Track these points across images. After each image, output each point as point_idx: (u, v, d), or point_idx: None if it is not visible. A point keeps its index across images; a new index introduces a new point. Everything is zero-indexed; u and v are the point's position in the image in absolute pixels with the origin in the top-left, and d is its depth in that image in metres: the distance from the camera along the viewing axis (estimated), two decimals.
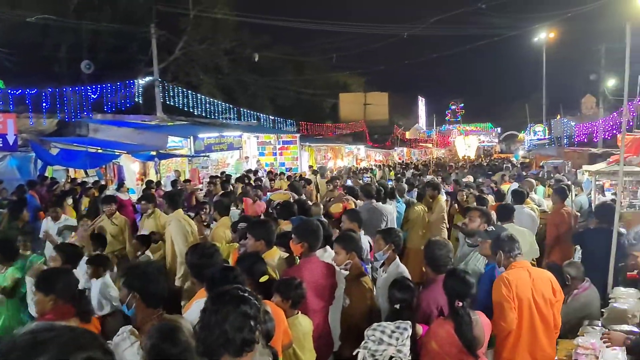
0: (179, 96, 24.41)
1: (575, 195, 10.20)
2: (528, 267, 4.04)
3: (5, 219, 8.62)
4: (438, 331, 3.47)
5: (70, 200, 10.20)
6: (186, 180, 14.63)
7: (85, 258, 5.37)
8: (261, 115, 30.92)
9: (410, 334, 3.34)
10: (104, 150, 14.81)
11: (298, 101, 41.94)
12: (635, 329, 4.00)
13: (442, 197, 8.99)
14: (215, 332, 2.12)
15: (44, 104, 17.63)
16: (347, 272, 4.35)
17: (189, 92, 25.08)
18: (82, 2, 25.66)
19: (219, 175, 15.33)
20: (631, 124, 14.97)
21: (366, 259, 5.46)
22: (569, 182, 10.26)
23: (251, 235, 4.60)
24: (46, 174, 13.62)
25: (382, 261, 4.67)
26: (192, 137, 17.73)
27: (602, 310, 4.66)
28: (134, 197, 12.10)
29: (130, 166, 16.47)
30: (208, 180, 14.60)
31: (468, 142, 55.52)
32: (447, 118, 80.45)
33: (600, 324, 4.37)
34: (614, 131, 22.16)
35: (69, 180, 13.71)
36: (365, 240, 5.78)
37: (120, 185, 12.85)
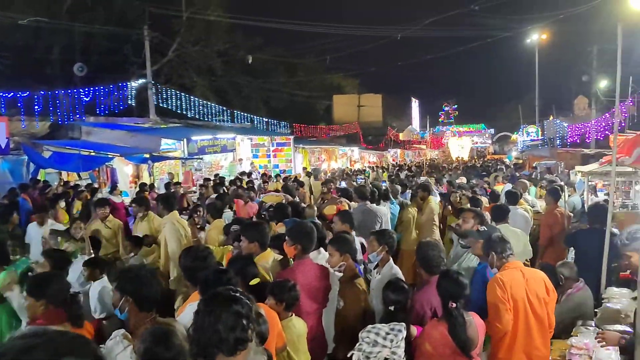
0: (172, 98, 24.37)
1: (569, 195, 10.26)
2: (521, 267, 4.04)
3: None
4: (432, 332, 3.47)
5: (62, 204, 10.17)
6: (177, 183, 14.58)
7: (81, 261, 5.34)
8: (255, 117, 30.89)
9: (404, 335, 3.34)
10: (97, 153, 14.76)
11: (292, 103, 41.93)
12: (629, 329, 4.01)
13: (433, 199, 8.99)
14: (209, 332, 2.16)
15: (37, 107, 17.52)
16: (341, 274, 4.35)
17: (182, 94, 25.02)
18: (74, 4, 25.53)
19: (212, 178, 15.29)
20: (623, 124, 15.06)
21: (359, 260, 5.45)
22: (562, 183, 10.30)
23: (245, 237, 4.59)
24: (39, 177, 13.56)
25: (375, 263, 4.67)
26: (185, 140, 17.71)
27: (596, 310, 4.67)
28: (127, 200, 12.06)
29: (124, 169, 16.42)
30: (200, 183, 14.57)
31: (461, 144, 55.71)
32: (440, 119, 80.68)
33: (593, 324, 4.39)
34: (606, 132, 22.25)
35: (62, 184, 13.64)
36: (357, 242, 5.77)
37: (114, 188, 12.80)
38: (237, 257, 4.27)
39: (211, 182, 13.46)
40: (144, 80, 23.30)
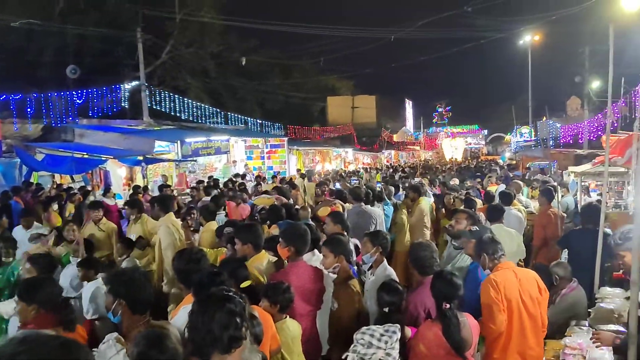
0: (166, 100, 24.31)
1: (562, 196, 10.30)
2: (513, 267, 4.05)
3: None
4: (426, 333, 3.46)
5: (55, 206, 10.10)
6: (167, 186, 14.48)
7: (74, 265, 5.30)
8: (249, 119, 30.85)
9: (399, 337, 3.33)
10: (90, 155, 14.69)
11: (286, 105, 41.91)
12: (622, 329, 4.03)
13: (425, 200, 8.97)
14: (203, 331, 2.21)
15: (29, 109, 17.44)
16: (335, 276, 4.34)
17: (176, 96, 24.98)
18: (67, 6, 25.43)
19: (206, 180, 15.23)
20: (615, 125, 15.11)
21: (353, 261, 5.45)
22: (555, 184, 10.34)
23: (238, 240, 4.58)
24: (31, 180, 13.48)
25: (369, 264, 4.66)
26: (179, 142, 17.65)
27: (589, 310, 4.68)
28: (121, 203, 12.00)
29: (117, 171, 16.34)
30: (193, 185, 14.50)
31: (455, 145, 55.82)
32: (434, 120, 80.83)
33: (587, 324, 4.40)
34: (599, 132, 22.38)
35: (55, 186, 13.57)
36: (352, 244, 5.77)
37: (107, 190, 12.75)
38: (228, 259, 4.26)
39: (203, 184, 13.38)
40: (137, 83, 23.20)
